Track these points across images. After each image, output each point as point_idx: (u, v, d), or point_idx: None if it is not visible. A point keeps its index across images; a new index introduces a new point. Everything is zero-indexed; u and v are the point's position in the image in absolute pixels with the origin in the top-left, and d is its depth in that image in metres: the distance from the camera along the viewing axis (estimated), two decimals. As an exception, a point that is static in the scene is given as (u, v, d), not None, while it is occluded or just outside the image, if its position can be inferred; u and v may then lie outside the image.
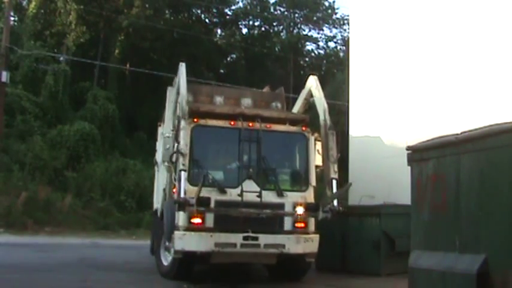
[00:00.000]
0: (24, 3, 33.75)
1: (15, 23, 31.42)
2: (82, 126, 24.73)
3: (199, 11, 39.03)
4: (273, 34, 41.21)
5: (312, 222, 8.48)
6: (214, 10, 39.29)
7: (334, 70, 38.40)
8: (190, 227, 7.97)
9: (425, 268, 5.36)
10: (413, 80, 13.60)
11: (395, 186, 10.80)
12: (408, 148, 5.91)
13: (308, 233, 8.39)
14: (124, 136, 29.80)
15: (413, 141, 6.04)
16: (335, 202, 7.98)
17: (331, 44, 42.42)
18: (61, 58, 29.38)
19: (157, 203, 10.44)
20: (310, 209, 8.27)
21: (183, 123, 7.91)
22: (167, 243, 8.51)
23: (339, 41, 41.75)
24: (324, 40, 42.17)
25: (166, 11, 36.81)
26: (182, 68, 8.97)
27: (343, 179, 19.39)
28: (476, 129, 4.92)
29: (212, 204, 7.93)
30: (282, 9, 41.28)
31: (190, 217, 7.94)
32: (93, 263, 11.10)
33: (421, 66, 13.37)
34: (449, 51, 12.51)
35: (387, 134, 14.14)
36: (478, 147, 4.86)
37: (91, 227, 19.65)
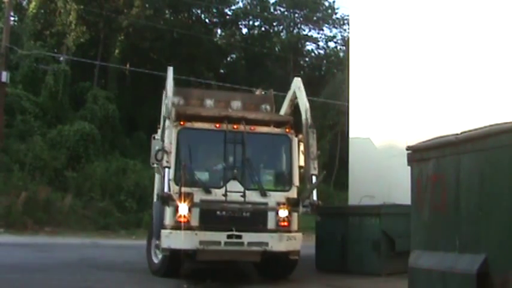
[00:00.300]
0: (24, 3, 33.74)
1: (15, 23, 31.44)
2: (82, 126, 24.72)
3: (199, 11, 39.02)
4: (273, 34, 41.21)
5: (295, 221, 8.74)
6: (214, 10, 39.29)
7: (334, 70, 38.42)
8: (177, 226, 8.24)
9: (425, 268, 5.36)
10: (413, 80, 13.60)
11: (395, 186, 10.81)
12: (408, 148, 5.91)
13: (291, 232, 8.64)
14: (124, 136, 29.81)
15: (413, 141, 6.04)
16: (314, 197, 8.31)
17: (331, 44, 42.48)
18: (61, 58, 29.38)
19: None
20: (290, 204, 8.52)
21: (167, 122, 8.32)
22: (156, 242, 8.81)
23: (339, 41, 41.80)
24: (324, 40, 42.23)
25: (166, 11, 36.81)
26: (170, 71, 9.36)
27: (344, 179, 19.48)
28: (476, 129, 4.92)
29: (197, 204, 8.26)
30: (282, 9, 41.29)
31: (176, 216, 8.24)
32: (93, 263, 11.10)
33: (421, 66, 13.37)
34: (449, 51, 12.51)
35: (387, 134, 14.13)
36: (478, 147, 4.86)
37: (91, 227, 19.65)
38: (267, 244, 8.40)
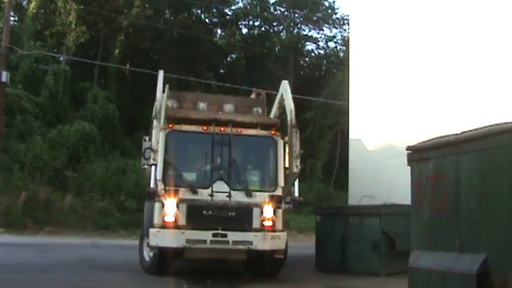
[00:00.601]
0: (24, 3, 33.74)
1: (15, 23, 31.44)
2: (82, 126, 24.72)
3: (199, 11, 39.03)
4: (273, 34, 41.22)
5: (279, 220, 8.92)
6: (214, 10, 39.29)
7: (334, 70, 38.42)
8: (164, 225, 8.56)
9: (425, 268, 5.36)
10: (413, 80, 13.61)
11: (395, 186, 10.81)
12: (408, 148, 5.91)
13: (275, 231, 8.81)
14: (124, 136, 29.81)
15: (413, 141, 6.03)
16: (296, 193, 8.60)
17: (331, 44, 42.51)
18: (61, 58, 29.39)
19: None
20: (273, 201, 8.74)
21: (154, 123, 8.70)
22: (147, 240, 9.03)
23: (339, 41, 41.82)
24: (324, 40, 42.25)
25: (166, 11, 36.82)
26: (160, 75, 9.73)
27: (344, 179, 19.48)
28: (476, 129, 4.91)
29: (184, 204, 8.58)
30: (282, 9, 41.30)
31: (164, 216, 8.56)
32: (93, 263, 11.10)
33: (421, 66, 13.37)
34: (449, 51, 12.51)
35: (387, 134, 14.14)
36: (478, 147, 4.85)
37: (91, 227, 19.64)
38: (251, 243, 8.61)
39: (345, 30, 39.43)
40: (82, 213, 20.35)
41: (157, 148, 8.54)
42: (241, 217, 8.75)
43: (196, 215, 8.63)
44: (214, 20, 40.16)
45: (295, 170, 8.58)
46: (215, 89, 33.69)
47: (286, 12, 41.21)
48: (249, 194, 8.84)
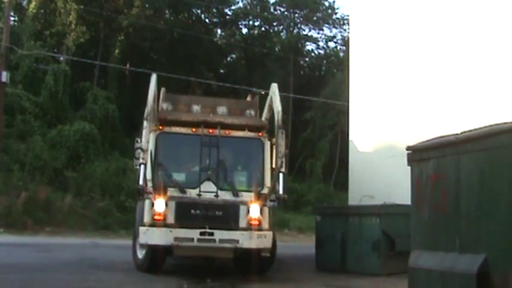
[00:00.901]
0: (24, 3, 33.72)
1: (15, 23, 31.41)
2: (82, 126, 24.72)
3: (199, 11, 39.02)
4: (273, 34, 41.19)
5: (265, 220, 9.12)
6: (214, 10, 39.28)
7: (334, 70, 38.42)
8: (154, 223, 8.81)
9: (425, 268, 5.36)
10: (413, 80, 13.61)
11: (395, 186, 10.82)
12: (408, 148, 5.91)
13: (262, 230, 9.00)
14: (124, 136, 29.79)
15: (413, 141, 6.03)
16: (280, 191, 8.73)
17: (331, 44, 42.46)
18: (61, 58, 29.38)
19: None
20: (258, 199, 8.93)
21: (145, 123, 8.96)
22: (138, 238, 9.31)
23: (339, 41, 41.79)
24: (324, 40, 42.20)
25: (166, 11, 36.80)
26: (153, 78, 9.96)
27: (344, 179, 19.48)
28: (476, 129, 4.91)
29: (173, 204, 8.84)
30: (282, 9, 41.26)
31: (153, 214, 8.82)
32: (93, 263, 11.10)
33: (421, 66, 13.38)
34: (449, 51, 12.52)
35: (387, 134, 14.14)
36: (478, 147, 4.85)
37: (91, 227, 19.64)
38: (237, 241, 8.82)
39: (345, 30, 39.44)
40: (82, 213, 20.35)
41: (146, 148, 8.77)
42: (228, 216, 8.99)
43: (185, 214, 8.89)
44: (214, 20, 40.15)
45: (280, 169, 8.80)
46: (215, 89, 33.71)
47: (286, 12, 41.19)
48: (235, 193, 9.08)
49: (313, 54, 42.86)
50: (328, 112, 33.70)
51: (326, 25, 41.35)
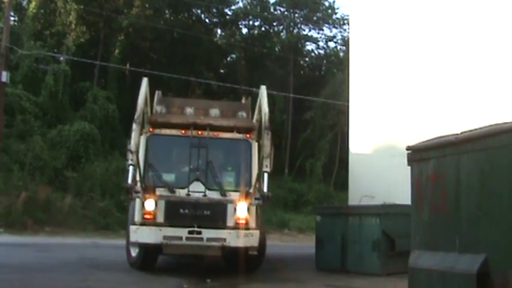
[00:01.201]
0: (24, 3, 33.74)
1: (15, 23, 31.42)
2: (82, 126, 24.73)
3: (199, 11, 39.02)
4: (273, 34, 41.19)
5: (252, 219, 9.36)
6: (214, 10, 39.28)
7: (334, 70, 38.40)
8: (144, 222, 9.12)
9: (425, 268, 5.36)
10: (413, 80, 13.61)
11: (395, 186, 10.81)
12: (408, 148, 5.91)
13: (249, 229, 9.23)
14: (124, 136, 29.72)
15: (413, 141, 6.03)
16: (265, 189, 8.92)
17: (331, 44, 42.45)
18: (61, 58, 29.37)
19: None
20: (246, 199, 9.17)
21: (134, 126, 9.20)
22: None
23: (339, 41, 41.79)
24: (324, 40, 42.20)
25: (166, 11, 36.80)
26: (144, 82, 10.26)
27: (344, 179, 19.49)
28: (476, 129, 4.91)
29: (162, 203, 9.12)
30: (282, 9, 41.26)
31: (144, 214, 9.12)
32: (93, 263, 11.10)
33: (421, 66, 13.38)
34: (449, 51, 12.52)
35: (387, 134, 14.14)
36: (478, 147, 4.85)
37: (91, 227, 19.64)
38: (224, 240, 9.06)
39: (345, 30, 39.44)
40: (82, 213, 20.35)
41: (134, 150, 8.97)
42: (216, 215, 9.22)
43: (174, 213, 9.17)
44: (214, 20, 40.15)
45: (265, 169, 9.00)
46: (215, 89, 33.72)
47: (286, 12, 41.18)
48: (223, 193, 9.31)
49: (313, 54, 42.89)
50: (328, 112, 33.69)
51: (326, 25, 41.37)
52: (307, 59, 42.84)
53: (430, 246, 5.45)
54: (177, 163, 10.14)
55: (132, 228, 9.23)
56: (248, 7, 40.40)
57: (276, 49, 40.00)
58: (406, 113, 13.60)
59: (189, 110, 10.68)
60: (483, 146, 4.78)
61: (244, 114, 10.83)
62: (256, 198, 9.15)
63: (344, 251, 10.87)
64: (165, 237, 9.01)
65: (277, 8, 41.29)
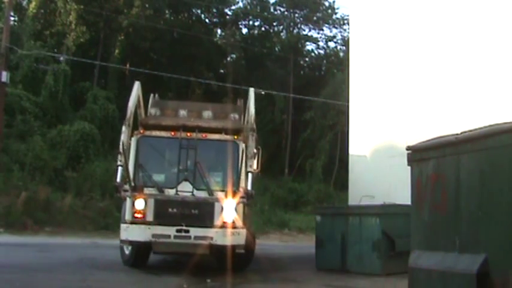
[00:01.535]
0: (24, 3, 33.70)
1: (15, 23, 31.39)
2: (82, 126, 24.71)
3: (199, 11, 39.00)
4: (273, 34, 41.17)
5: (239, 218, 9.59)
6: (214, 10, 39.26)
7: (334, 70, 38.39)
8: (134, 221, 9.42)
9: (425, 268, 5.36)
10: (413, 80, 13.61)
11: (395, 186, 10.82)
12: (408, 148, 5.91)
13: (236, 228, 9.48)
14: (124, 136, 29.77)
15: (413, 141, 6.04)
16: (249, 187, 9.26)
17: (331, 44, 42.41)
18: (61, 58, 29.35)
19: None
20: (232, 199, 9.39)
21: (123, 128, 9.69)
22: None
23: (339, 41, 41.75)
24: (324, 40, 42.16)
25: (166, 11, 36.79)
26: (135, 85, 10.82)
27: (344, 179, 19.49)
28: (476, 129, 4.92)
29: (152, 203, 9.40)
30: (282, 9, 41.24)
31: (134, 213, 9.43)
32: (93, 263, 11.10)
33: (421, 66, 13.38)
34: (449, 51, 12.52)
35: (387, 134, 14.14)
36: (478, 147, 4.85)
37: (91, 227, 19.62)
38: (211, 238, 9.32)
39: (345, 30, 39.40)
40: (82, 213, 20.33)
41: (122, 151, 9.33)
42: (203, 214, 9.49)
43: (163, 212, 9.45)
44: (214, 20, 40.13)
45: (249, 169, 9.42)
46: (215, 89, 33.71)
47: (286, 12, 41.16)
48: (211, 193, 9.52)
49: (313, 54, 42.85)
50: (328, 112, 33.68)
51: (326, 25, 41.34)
52: (307, 59, 42.81)
53: (430, 246, 5.46)
54: (166, 164, 10.42)
55: (123, 226, 9.55)
56: (248, 7, 40.38)
57: (276, 49, 39.98)
58: (406, 113, 13.60)
59: (182, 113, 11.04)
60: (483, 146, 4.78)
61: (236, 116, 11.15)
62: (241, 197, 9.37)
63: (344, 251, 10.87)
64: (153, 236, 9.29)
65: (277, 8, 41.29)
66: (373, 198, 12.06)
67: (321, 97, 33.30)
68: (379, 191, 12.18)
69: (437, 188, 5.36)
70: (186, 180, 9.60)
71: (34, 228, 17.97)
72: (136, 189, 9.37)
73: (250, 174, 9.40)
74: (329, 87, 34.40)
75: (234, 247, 9.50)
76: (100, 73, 32.12)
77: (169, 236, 9.32)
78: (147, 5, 33.72)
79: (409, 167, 5.85)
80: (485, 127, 4.78)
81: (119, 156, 9.44)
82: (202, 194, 9.55)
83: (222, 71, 39.15)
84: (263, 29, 41.45)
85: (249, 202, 9.74)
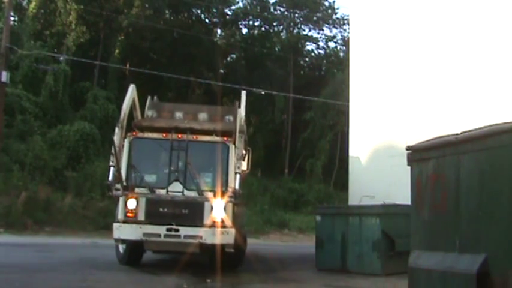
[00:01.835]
0: (24, 3, 33.72)
1: (15, 23, 31.39)
2: (82, 126, 24.72)
3: (199, 11, 39.01)
4: (273, 34, 41.19)
5: (228, 217, 9.74)
6: (214, 10, 39.27)
7: (334, 70, 38.40)
8: (126, 220, 9.71)
9: (425, 268, 5.36)
10: (413, 80, 13.61)
11: (395, 186, 10.82)
12: (408, 148, 5.91)
13: (225, 227, 9.64)
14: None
15: (413, 141, 6.03)
16: (237, 186, 9.48)
17: (331, 44, 42.45)
18: (61, 58, 29.34)
19: None
20: (222, 198, 9.59)
21: (116, 129, 9.94)
22: None
23: (339, 41, 41.80)
24: (324, 40, 42.21)
25: (166, 11, 36.79)
26: (130, 88, 11.16)
27: (344, 179, 19.49)
28: (476, 129, 4.91)
29: (143, 202, 9.64)
30: (282, 9, 41.27)
31: (126, 212, 9.71)
32: (93, 263, 11.11)
33: (421, 66, 13.38)
34: (449, 51, 12.52)
35: (387, 134, 14.14)
36: (478, 147, 4.85)
37: (91, 227, 19.63)
38: (201, 237, 9.48)
39: (345, 30, 39.44)
40: (82, 213, 20.34)
41: (114, 152, 9.61)
42: (193, 214, 9.67)
43: (154, 212, 9.68)
44: (214, 20, 40.14)
45: (237, 170, 9.64)
46: (215, 89, 33.69)
47: (286, 12, 41.18)
48: (201, 193, 9.69)
49: (313, 54, 42.88)
50: (328, 112, 33.69)
51: (326, 25, 41.38)
52: (307, 59, 42.83)
53: (430, 246, 5.45)
54: (158, 165, 10.56)
55: (115, 225, 9.82)
56: (248, 7, 40.40)
57: (276, 49, 39.99)
58: (406, 113, 13.60)
59: (178, 115, 11.28)
60: (483, 146, 4.78)
61: (231, 118, 11.29)
62: (230, 197, 9.55)
63: (344, 251, 10.87)
64: (144, 234, 9.51)
65: (277, 8, 41.32)
66: (373, 198, 12.07)
67: (321, 97, 33.31)
68: (379, 191, 12.18)
69: (437, 188, 5.36)
70: (177, 180, 9.79)
71: (34, 228, 17.98)
72: (128, 189, 9.58)
73: (238, 176, 9.61)
74: (329, 87, 34.41)
75: (223, 246, 9.67)
76: (100, 73, 32.13)
77: (159, 235, 9.52)
78: (147, 5, 33.72)
79: (409, 167, 5.84)
80: (485, 127, 4.78)
81: (111, 157, 9.74)
82: (192, 194, 9.72)
83: (222, 71, 39.16)
84: (263, 29, 41.48)
85: (237, 201, 9.91)
